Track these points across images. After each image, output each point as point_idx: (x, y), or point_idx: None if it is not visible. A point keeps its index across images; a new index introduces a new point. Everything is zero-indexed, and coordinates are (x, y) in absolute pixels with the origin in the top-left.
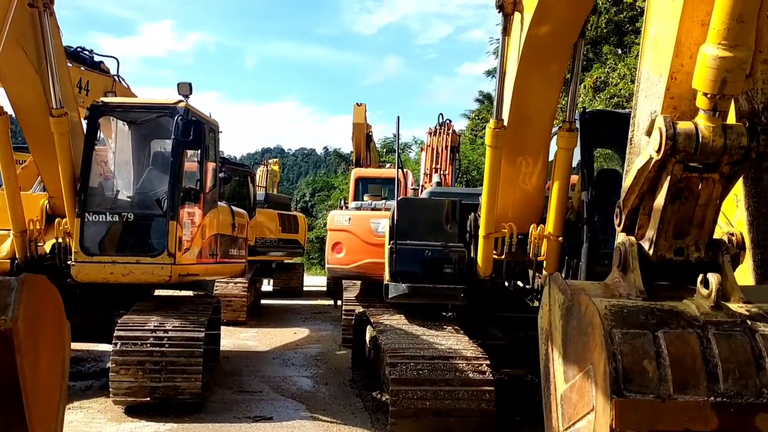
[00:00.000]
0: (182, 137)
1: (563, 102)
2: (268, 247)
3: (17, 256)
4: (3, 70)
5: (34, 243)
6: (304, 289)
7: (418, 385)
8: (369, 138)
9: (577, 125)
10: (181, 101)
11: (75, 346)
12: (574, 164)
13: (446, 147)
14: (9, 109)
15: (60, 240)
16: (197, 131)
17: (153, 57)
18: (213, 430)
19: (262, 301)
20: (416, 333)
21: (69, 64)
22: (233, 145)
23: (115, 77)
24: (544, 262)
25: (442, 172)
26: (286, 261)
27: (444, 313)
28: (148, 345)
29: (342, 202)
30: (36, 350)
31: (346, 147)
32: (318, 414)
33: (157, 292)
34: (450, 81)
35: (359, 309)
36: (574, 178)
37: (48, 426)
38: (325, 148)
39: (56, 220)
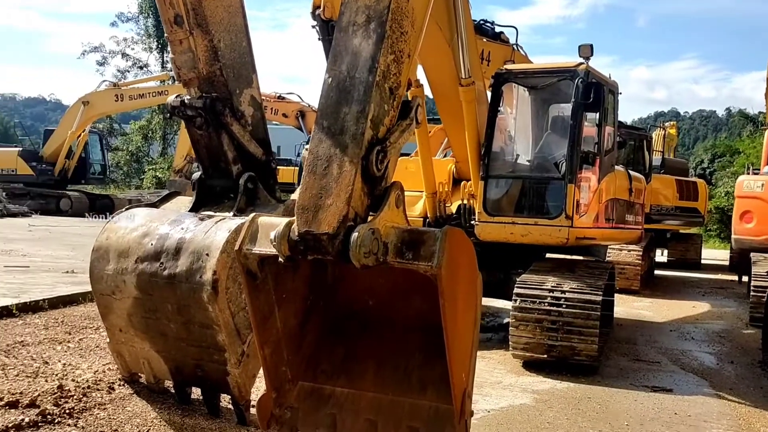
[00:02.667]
0: (582, 99)
1: None
2: (664, 215)
3: (428, 214)
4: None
5: (442, 204)
6: (702, 262)
7: None
8: None
9: None
10: (581, 63)
11: None
12: None
13: None
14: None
15: (465, 201)
16: (597, 93)
17: (544, 25)
18: (610, 395)
19: (656, 272)
20: None
21: None
22: (624, 109)
23: (514, 46)
24: None
25: None
26: (682, 231)
27: None
28: (546, 304)
29: (748, 167)
30: (454, 295)
31: (755, 107)
32: (723, 393)
33: (549, 256)
34: None
35: None
36: None
37: (463, 366)
38: (728, 109)
39: (462, 183)
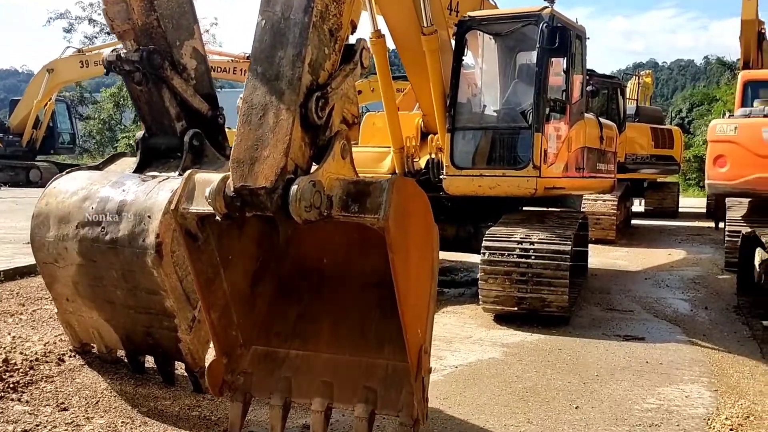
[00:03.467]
0: (548, 45)
1: None
2: (640, 164)
3: (396, 170)
4: None
5: (410, 159)
6: (680, 210)
7: None
8: (761, 36)
9: None
10: (546, 7)
11: (448, 256)
12: None
13: None
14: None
15: (433, 155)
16: (563, 38)
17: None
18: (581, 345)
19: (633, 222)
20: None
21: None
22: (602, 61)
23: None
24: None
25: None
26: (659, 179)
27: None
28: (515, 256)
29: (724, 113)
30: (405, 248)
31: (732, 54)
32: (696, 339)
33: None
34: None
35: (746, 229)
36: None
37: (419, 321)
38: (706, 57)
39: (429, 137)
